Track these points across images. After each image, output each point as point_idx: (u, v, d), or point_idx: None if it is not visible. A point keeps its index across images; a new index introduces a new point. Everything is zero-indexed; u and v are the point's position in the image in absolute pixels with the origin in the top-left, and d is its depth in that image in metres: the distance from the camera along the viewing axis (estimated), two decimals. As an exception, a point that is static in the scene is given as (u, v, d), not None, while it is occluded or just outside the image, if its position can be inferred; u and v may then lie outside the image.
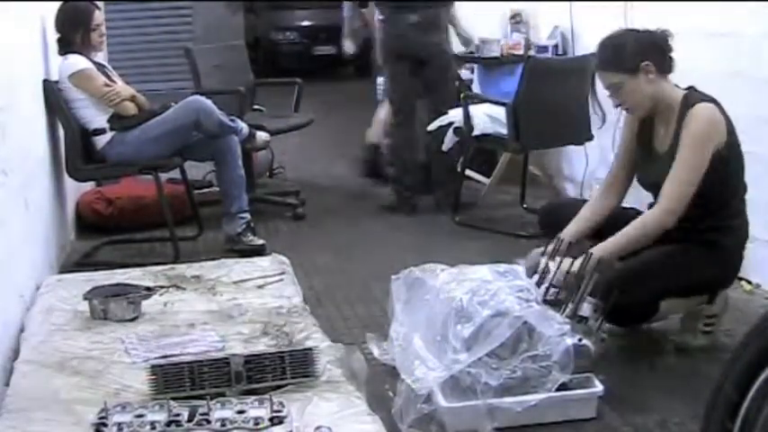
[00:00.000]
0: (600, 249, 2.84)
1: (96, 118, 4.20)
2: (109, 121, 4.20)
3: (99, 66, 4.34)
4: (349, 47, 6.05)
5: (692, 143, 2.82)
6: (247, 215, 4.37)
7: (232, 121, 4.39)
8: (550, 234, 3.01)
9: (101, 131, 4.20)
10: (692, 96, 2.92)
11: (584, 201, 3.30)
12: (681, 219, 2.83)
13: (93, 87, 4.18)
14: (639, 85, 2.91)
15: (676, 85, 2.99)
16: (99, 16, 4.33)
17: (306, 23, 12.66)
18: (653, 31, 2.96)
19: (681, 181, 2.82)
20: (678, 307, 3.07)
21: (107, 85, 4.22)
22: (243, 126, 4.48)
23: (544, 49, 5.27)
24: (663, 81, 2.94)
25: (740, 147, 2.94)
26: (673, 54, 2.94)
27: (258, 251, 4.16)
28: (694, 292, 3.03)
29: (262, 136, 4.61)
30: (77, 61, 4.19)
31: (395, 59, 5.01)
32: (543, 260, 2.91)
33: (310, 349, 2.44)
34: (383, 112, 5.46)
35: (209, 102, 4.33)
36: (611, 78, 2.96)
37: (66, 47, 4.23)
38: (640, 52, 2.90)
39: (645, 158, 3.05)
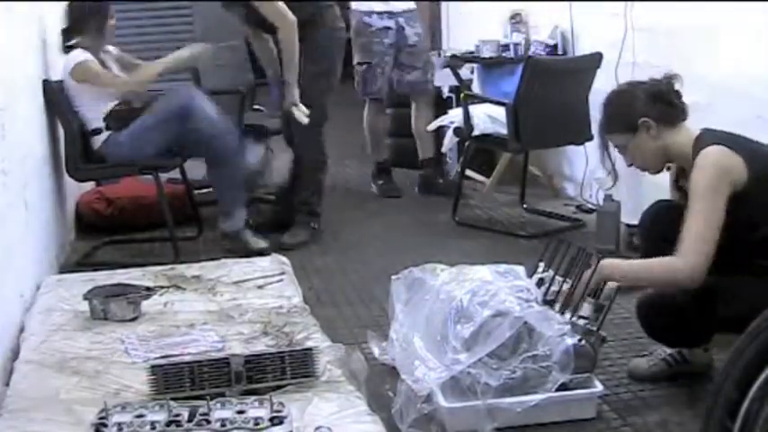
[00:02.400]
0: (612, 267, 2.69)
1: (96, 118, 4.19)
2: (105, 119, 4.19)
3: (105, 53, 4.31)
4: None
5: (700, 194, 2.57)
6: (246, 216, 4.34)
7: (241, 145, 4.31)
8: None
9: (98, 131, 4.19)
10: (702, 140, 2.67)
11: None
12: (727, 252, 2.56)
13: (96, 79, 4.13)
14: (642, 142, 2.73)
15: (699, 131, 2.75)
16: (111, 9, 4.30)
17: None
18: (656, 81, 2.78)
19: (697, 236, 2.55)
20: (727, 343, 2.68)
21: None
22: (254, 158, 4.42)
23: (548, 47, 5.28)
24: (671, 132, 2.72)
25: None
26: (683, 100, 2.75)
27: (261, 253, 4.14)
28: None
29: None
30: (77, 55, 4.14)
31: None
32: (542, 265, 2.91)
33: (310, 349, 2.44)
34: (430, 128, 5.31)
35: (199, 92, 4.27)
36: (614, 140, 2.82)
37: (72, 40, 4.19)
38: (638, 109, 2.72)
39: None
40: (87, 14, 4.19)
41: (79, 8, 4.22)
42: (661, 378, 2.89)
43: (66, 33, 4.21)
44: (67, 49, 4.20)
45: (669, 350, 2.91)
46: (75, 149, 4.13)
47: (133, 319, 2.94)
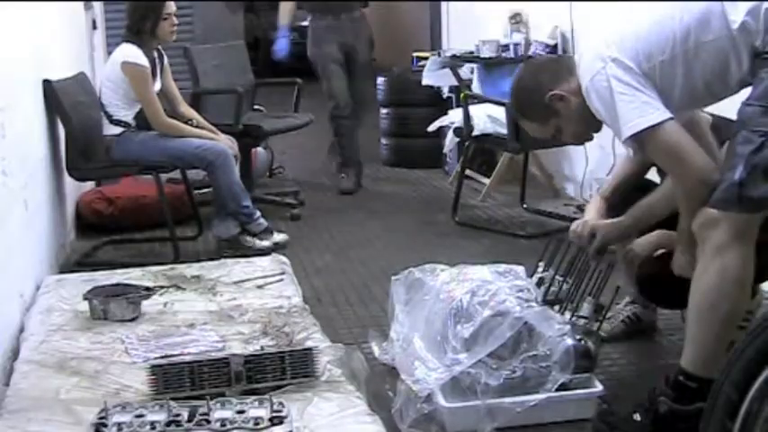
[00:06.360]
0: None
1: (122, 109, 4.21)
2: (136, 117, 4.22)
3: (159, 56, 4.36)
4: None
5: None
6: (245, 217, 4.33)
7: (246, 207, 4.30)
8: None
9: (123, 124, 4.20)
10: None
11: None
12: None
13: (140, 89, 4.18)
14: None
15: None
16: (171, 5, 4.31)
17: (306, 23, 12.63)
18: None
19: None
20: None
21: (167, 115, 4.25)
22: (262, 221, 4.35)
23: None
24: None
25: None
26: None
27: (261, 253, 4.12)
28: None
29: (277, 237, 4.40)
30: (138, 55, 4.18)
31: None
32: (542, 265, 2.91)
33: (310, 349, 2.45)
34: None
35: (232, 159, 4.28)
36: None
37: (132, 35, 4.24)
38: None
39: None
40: (141, 13, 4.25)
41: (133, 7, 4.29)
42: (621, 336, 3.11)
43: (128, 28, 4.27)
44: (127, 40, 4.23)
45: (626, 313, 3.13)
46: (75, 149, 4.13)
47: (133, 319, 2.94)
